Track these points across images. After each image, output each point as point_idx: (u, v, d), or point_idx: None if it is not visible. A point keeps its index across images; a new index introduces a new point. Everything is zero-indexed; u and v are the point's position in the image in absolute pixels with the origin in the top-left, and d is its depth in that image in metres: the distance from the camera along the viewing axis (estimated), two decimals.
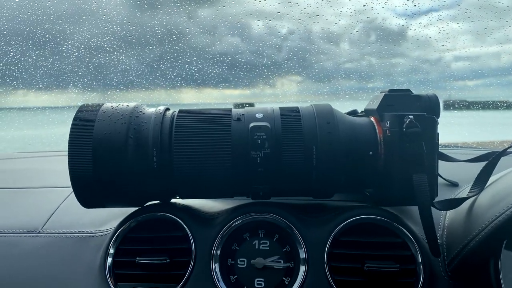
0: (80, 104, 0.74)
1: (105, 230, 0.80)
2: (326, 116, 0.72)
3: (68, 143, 0.68)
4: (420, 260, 0.69)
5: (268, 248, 0.73)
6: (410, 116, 0.67)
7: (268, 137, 0.69)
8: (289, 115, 0.73)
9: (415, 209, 0.78)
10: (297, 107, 0.75)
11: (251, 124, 0.70)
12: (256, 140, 0.69)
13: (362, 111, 0.85)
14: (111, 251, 0.74)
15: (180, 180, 0.71)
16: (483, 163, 0.77)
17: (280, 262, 0.71)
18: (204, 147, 0.69)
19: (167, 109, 0.76)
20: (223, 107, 0.76)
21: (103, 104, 0.74)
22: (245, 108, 0.75)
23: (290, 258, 0.72)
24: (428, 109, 0.73)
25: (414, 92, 0.75)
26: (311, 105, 0.76)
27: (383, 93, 0.74)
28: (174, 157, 0.69)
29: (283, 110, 0.74)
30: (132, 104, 0.74)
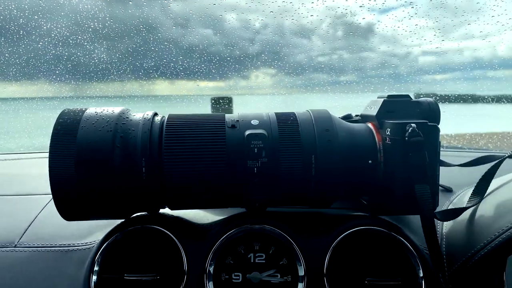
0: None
1: (89, 243, 0.74)
2: (325, 123, 0.69)
3: (49, 153, 0.63)
4: (421, 275, 0.67)
5: (264, 261, 0.69)
6: (413, 125, 0.64)
7: (265, 146, 0.65)
8: (285, 122, 0.69)
9: (412, 218, 0.76)
10: (293, 113, 0.71)
11: (247, 132, 0.66)
12: (253, 149, 0.65)
13: (356, 115, 0.82)
14: (96, 267, 0.68)
15: (171, 191, 0.66)
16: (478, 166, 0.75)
17: (277, 276, 0.68)
18: (196, 156, 0.65)
19: (155, 114, 0.71)
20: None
21: (86, 109, 0.69)
22: (238, 113, 0.71)
23: (287, 271, 0.68)
24: (428, 115, 0.71)
25: (412, 96, 0.73)
26: (307, 111, 0.73)
27: (382, 99, 0.71)
28: (165, 167, 0.65)
29: (279, 117, 0.70)
30: (117, 109, 0.69)
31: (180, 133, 0.66)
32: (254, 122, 0.69)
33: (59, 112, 0.68)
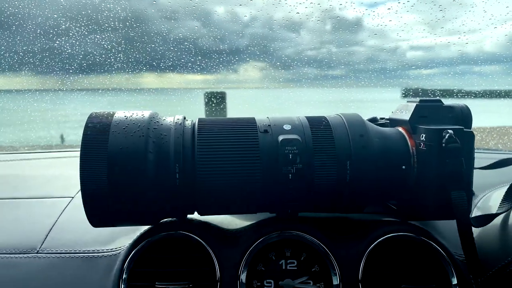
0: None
1: (114, 250, 0.72)
2: (359, 128, 0.68)
3: (80, 158, 0.61)
4: (455, 282, 0.66)
5: (295, 268, 0.68)
6: (450, 131, 0.64)
7: (299, 152, 0.64)
8: (318, 127, 0.68)
9: (440, 224, 0.76)
10: (324, 117, 0.71)
11: (281, 137, 0.65)
12: (288, 154, 0.64)
13: (381, 118, 0.82)
14: (125, 274, 0.67)
15: (203, 197, 0.65)
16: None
17: (310, 283, 0.67)
18: (229, 161, 0.64)
19: (184, 118, 0.70)
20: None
21: (114, 113, 0.67)
22: (268, 117, 0.70)
23: (320, 279, 0.68)
24: (460, 121, 0.70)
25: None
26: (338, 115, 0.72)
27: (413, 103, 0.71)
28: (198, 173, 0.63)
29: (311, 121, 0.69)
30: (147, 113, 0.67)
31: (213, 138, 0.65)
32: (287, 127, 0.68)
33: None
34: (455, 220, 0.71)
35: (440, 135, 0.64)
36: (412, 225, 0.72)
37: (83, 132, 0.63)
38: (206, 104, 2.40)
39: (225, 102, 2.47)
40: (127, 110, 0.68)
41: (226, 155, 0.64)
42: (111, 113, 0.67)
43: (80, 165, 0.61)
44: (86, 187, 0.61)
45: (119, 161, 0.61)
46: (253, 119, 0.69)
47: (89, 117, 0.66)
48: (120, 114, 0.67)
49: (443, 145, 0.64)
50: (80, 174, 0.61)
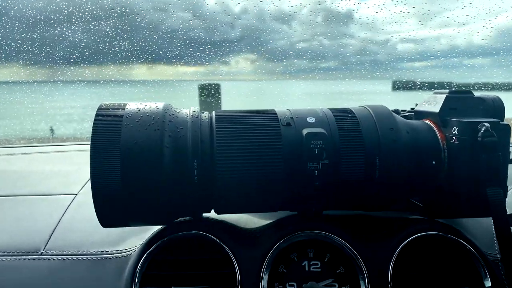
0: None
1: (125, 251, 0.68)
2: (388, 121, 0.64)
3: (91, 153, 0.56)
4: (489, 284, 0.63)
5: (319, 270, 0.64)
6: (486, 124, 0.60)
7: (326, 146, 0.60)
8: (344, 119, 0.64)
9: (470, 222, 0.72)
10: (349, 109, 0.66)
11: (305, 131, 0.61)
12: (313, 149, 0.60)
13: (403, 110, 0.78)
14: (137, 277, 0.62)
15: (222, 194, 0.61)
16: None
17: (335, 286, 0.63)
18: (250, 156, 0.60)
19: (200, 110, 0.65)
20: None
21: (126, 105, 0.62)
22: (289, 109, 0.66)
23: (345, 281, 0.63)
24: (491, 113, 0.67)
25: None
26: (363, 106, 0.68)
27: (443, 94, 0.67)
28: (217, 169, 0.59)
29: (336, 113, 0.65)
30: (161, 105, 0.62)
31: (232, 132, 0.61)
32: (310, 119, 0.63)
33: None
34: (485, 218, 0.68)
35: (475, 129, 0.61)
36: (441, 223, 0.68)
37: (93, 125, 0.58)
38: (200, 95, 2.35)
39: (219, 94, 2.42)
40: (139, 102, 0.64)
41: (247, 150, 0.60)
42: (122, 104, 0.62)
43: (90, 160, 0.56)
44: (97, 184, 0.56)
45: (133, 156, 0.56)
46: (274, 111, 0.65)
47: (98, 109, 0.61)
48: (132, 105, 0.62)
49: (479, 139, 0.60)
50: (90, 170, 0.56)
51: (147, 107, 0.61)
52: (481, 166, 0.61)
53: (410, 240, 0.65)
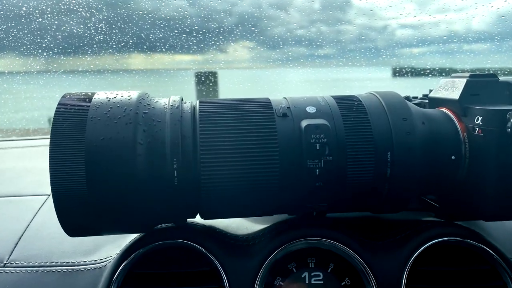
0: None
1: (99, 261, 0.59)
2: (401, 110, 0.55)
3: (50, 153, 0.48)
4: None
5: (321, 282, 0.56)
6: None
7: (328, 141, 0.51)
8: (349, 109, 0.55)
9: (491, 225, 0.64)
10: (355, 97, 0.58)
11: (304, 123, 0.52)
12: (314, 144, 0.51)
13: (415, 97, 0.69)
14: None
15: (208, 198, 0.52)
16: None
17: None
18: (241, 154, 0.51)
19: (181, 99, 0.56)
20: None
21: (93, 94, 0.53)
22: (286, 98, 0.57)
23: None
24: None
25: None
26: (371, 93, 0.59)
27: (464, 79, 0.58)
28: (202, 169, 0.50)
29: (340, 102, 0.56)
30: (134, 94, 0.53)
31: (218, 125, 0.52)
32: (310, 109, 0.54)
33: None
34: (508, 222, 0.60)
35: (503, 118, 0.52)
36: (460, 226, 0.60)
37: (53, 118, 0.49)
38: (197, 84, 2.27)
39: (217, 82, 2.34)
40: (110, 91, 0.55)
41: (236, 146, 0.51)
42: (90, 94, 0.53)
43: (49, 160, 0.47)
44: (57, 189, 0.48)
45: (100, 156, 0.48)
46: (268, 99, 0.56)
47: (61, 100, 0.52)
48: (100, 95, 0.53)
49: (508, 130, 0.51)
50: (50, 172, 0.47)
51: (118, 97, 0.53)
52: (510, 161, 0.52)
53: (426, 247, 0.56)
